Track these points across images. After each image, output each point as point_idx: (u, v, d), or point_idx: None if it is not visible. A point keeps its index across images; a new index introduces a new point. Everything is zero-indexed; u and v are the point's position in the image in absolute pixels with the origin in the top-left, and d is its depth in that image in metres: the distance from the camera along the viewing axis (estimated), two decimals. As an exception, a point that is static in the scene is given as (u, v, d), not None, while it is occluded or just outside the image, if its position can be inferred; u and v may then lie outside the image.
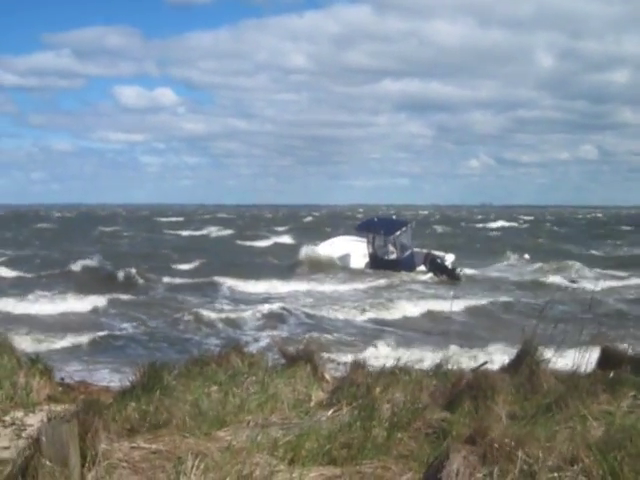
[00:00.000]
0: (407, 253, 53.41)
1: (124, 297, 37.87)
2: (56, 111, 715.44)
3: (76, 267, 48.75)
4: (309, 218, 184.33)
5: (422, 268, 51.32)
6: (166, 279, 46.10)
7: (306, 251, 57.07)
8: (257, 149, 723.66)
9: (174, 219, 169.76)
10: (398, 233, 54.37)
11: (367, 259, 54.46)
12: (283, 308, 36.32)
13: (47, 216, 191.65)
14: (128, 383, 10.60)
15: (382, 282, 46.71)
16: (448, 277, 48.85)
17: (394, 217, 75.85)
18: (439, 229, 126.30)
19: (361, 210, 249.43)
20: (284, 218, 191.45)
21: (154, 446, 7.23)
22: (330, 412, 9.25)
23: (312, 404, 10.39)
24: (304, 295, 41.94)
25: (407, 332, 31.22)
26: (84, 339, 26.45)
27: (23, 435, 10.08)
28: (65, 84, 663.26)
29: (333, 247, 56.54)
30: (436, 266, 50.56)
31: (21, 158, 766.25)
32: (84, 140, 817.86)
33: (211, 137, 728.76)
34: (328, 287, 44.82)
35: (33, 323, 29.87)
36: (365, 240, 55.32)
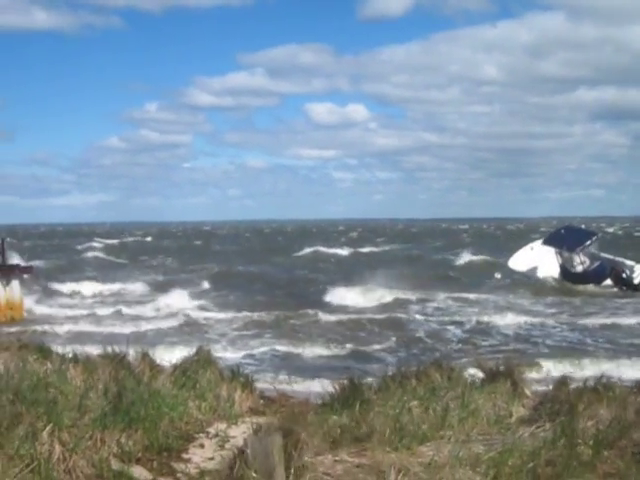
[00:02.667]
0: (595, 265, 52.19)
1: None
2: (251, 129, 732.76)
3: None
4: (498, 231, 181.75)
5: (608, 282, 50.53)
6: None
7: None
8: (448, 162, 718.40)
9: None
10: (587, 244, 53.38)
11: (555, 271, 53.82)
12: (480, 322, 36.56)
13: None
14: (328, 397, 10.73)
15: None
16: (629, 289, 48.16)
17: (582, 227, 74.24)
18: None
19: (555, 222, 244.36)
20: (478, 231, 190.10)
21: (357, 460, 7.26)
22: (532, 428, 9.06)
23: (513, 420, 10.22)
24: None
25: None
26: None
27: (226, 446, 10.31)
28: (259, 103, 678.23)
29: (522, 260, 56.07)
30: (621, 281, 49.67)
31: (218, 176, 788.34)
32: (278, 157, 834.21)
33: (402, 151, 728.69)
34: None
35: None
36: (553, 251, 54.75)
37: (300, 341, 32.29)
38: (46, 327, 35.43)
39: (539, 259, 55.20)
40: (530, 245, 58.50)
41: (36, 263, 58.63)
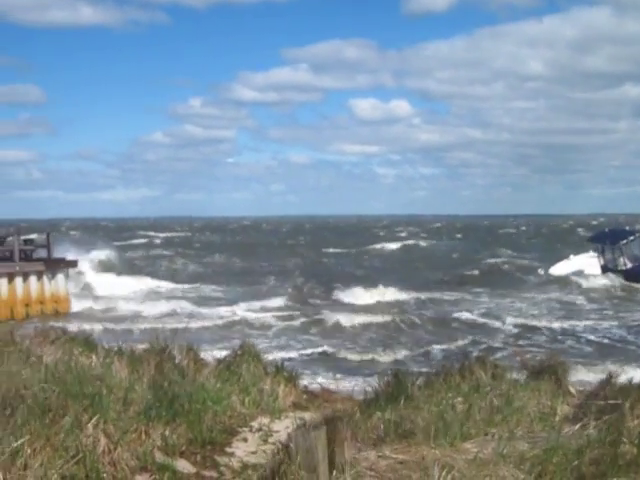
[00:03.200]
0: (637, 264, 52.80)
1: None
2: (294, 125, 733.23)
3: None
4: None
5: None
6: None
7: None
8: (492, 159, 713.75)
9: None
10: (624, 242, 54.04)
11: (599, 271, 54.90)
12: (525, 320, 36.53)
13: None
14: (372, 393, 10.72)
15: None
16: None
17: (627, 228, 75.18)
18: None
19: (602, 219, 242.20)
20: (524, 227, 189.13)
21: (400, 456, 7.24)
22: (577, 427, 8.98)
23: (557, 418, 10.14)
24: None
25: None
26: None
27: (269, 441, 10.36)
28: (303, 98, 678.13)
29: (563, 267, 57.37)
30: None
31: (261, 171, 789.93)
32: (321, 153, 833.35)
33: (446, 147, 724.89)
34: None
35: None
36: (594, 256, 56.32)
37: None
38: (93, 321, 35.79)
39: (580, 265, 56.63)
40: (570, 256, 59.95)
41: (92, 256, 58.95)
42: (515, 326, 35.90)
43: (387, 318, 38.01)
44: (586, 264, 57.56)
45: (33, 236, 47.15)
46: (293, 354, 28.68)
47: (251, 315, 39.88)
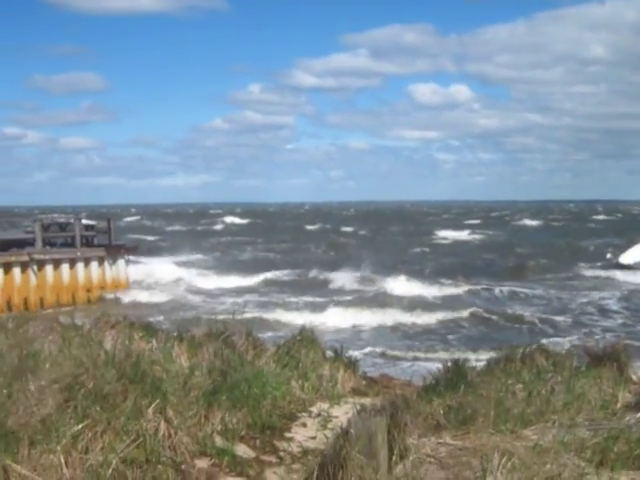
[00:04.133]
0: None
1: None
2: (353, 111, 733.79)
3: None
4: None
5: None
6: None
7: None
8: (552, 144, 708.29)
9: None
10: None
11: None
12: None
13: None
14: (432, 379, 10.68)
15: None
16: None
17: None
18: None
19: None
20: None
21: (460, 443, 7.20)
22: (639, 415, 8.87)
23: (619, 405, 10.01)
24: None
25: None
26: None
27: (329, 426, 10.37)
28: (361, 84, 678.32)
29: (633, 255, 56.76)
30: None
31: (320, 157, 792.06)
32: (380, 138, 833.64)
33: (506, 132, 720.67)
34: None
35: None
36: None
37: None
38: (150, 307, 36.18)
39: None
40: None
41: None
42: (580, 308, 36.09)
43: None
44: None
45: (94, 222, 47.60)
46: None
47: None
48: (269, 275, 52.28)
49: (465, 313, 35.95)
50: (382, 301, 38.76)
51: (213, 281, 49.64)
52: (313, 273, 52.86)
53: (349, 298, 40.49)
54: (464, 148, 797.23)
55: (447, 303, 39.20)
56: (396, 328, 32.72)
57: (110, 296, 40.10)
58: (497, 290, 44.25)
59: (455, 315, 35.64)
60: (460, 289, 44.61)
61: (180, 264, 55.45)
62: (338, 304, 37.92)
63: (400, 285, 43.13)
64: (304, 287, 46.59)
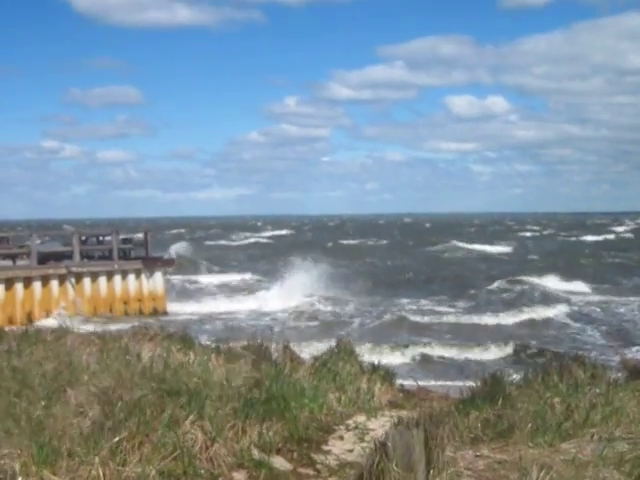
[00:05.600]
0: None
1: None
2: (389, 123, 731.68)
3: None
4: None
5: None
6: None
7: None
8: (591, 155, 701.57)
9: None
10: None
11: None
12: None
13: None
14: (469, 392, 10.64)
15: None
16: None
17: None
18: None
19: None
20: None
21: (498, 456, 7.18)
22: (679, 428, 8.78)
23: (658, 419, 9.92)
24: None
25: None
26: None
27: (366, 439, 10.33)
28: (397, 96, 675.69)
29: None
30: None
31: (356, 169, 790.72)
32: (416, 150, 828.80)
33: (543, 144, 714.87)
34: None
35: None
36: None
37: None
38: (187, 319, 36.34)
39: None
40: None
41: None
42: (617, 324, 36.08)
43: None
44: None
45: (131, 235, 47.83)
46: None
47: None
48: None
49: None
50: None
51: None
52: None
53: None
54: (500, 160, 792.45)
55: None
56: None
57: (147, 308, 40.31)
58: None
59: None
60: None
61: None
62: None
63: None
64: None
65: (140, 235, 45.78)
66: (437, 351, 29.27)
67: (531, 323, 36.69)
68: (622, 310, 40.80)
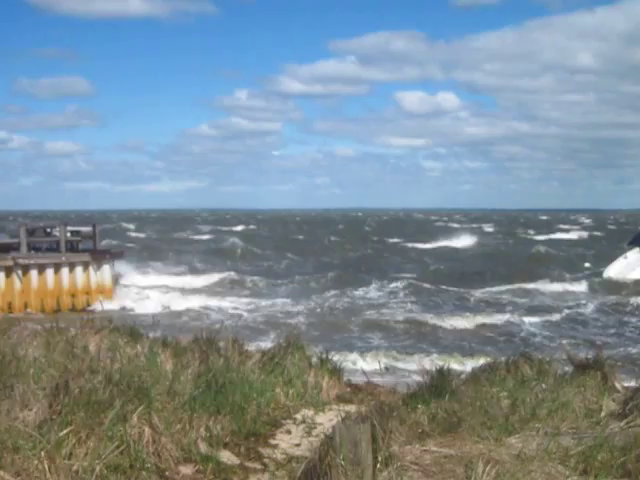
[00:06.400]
0: None
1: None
2: (340, 117, 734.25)
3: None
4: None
5: None
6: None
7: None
8: (540, 152, 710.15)
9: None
10: None
11: None
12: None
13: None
14: (416, 387, 10.68)
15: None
16: None
17: None
18: None
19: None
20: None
21: (445, 450, 7.21)
22: (623, 423, 8.88)
23: (603, 414, 10.03)
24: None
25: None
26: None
27: (313, 433, 10.38)
28: (349, 91, 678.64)
29: (616, 269, 56.84)
30: None
31: (306, 164, 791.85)
32: (367, 145, 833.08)
33: (493, 141, 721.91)
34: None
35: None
36: None
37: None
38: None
39: (632, 266, 56.20)
40: (624, 255, 59.21)
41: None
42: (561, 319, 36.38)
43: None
44: (637, 265, 56.69)
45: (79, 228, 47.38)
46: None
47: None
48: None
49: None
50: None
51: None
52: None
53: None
54: (451, 156, 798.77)
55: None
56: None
57: (94, 301, 39.95)
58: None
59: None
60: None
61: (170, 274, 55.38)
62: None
63: None
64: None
65: (89, 228, 45.44)
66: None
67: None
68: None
